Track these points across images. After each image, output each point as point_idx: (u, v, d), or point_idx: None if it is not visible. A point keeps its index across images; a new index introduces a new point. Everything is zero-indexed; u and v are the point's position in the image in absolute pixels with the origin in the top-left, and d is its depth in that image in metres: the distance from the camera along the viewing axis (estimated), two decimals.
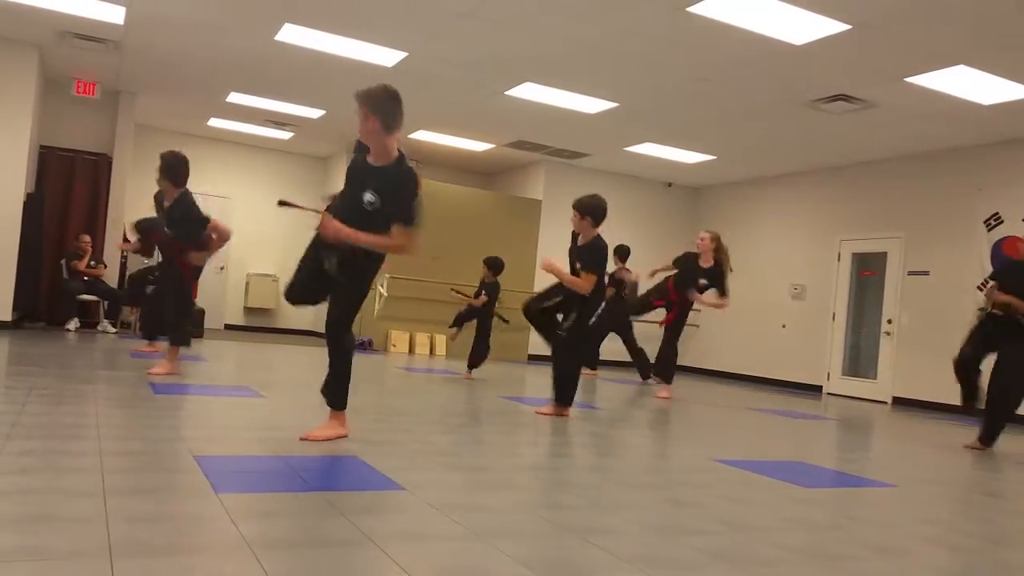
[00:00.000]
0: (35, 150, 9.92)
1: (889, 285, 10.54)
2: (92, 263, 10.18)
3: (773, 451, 4.99)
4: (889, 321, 10.44)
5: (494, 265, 8.24)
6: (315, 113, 10.99)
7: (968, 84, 7.43)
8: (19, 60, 8.96)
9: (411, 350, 11.83)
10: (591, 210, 5.55)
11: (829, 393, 11.06)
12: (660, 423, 6.05)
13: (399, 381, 7.36)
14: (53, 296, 10.21)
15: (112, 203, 10.70)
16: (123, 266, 10.90)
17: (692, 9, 6.34)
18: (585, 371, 10.50)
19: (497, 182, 14.41)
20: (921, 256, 10.16)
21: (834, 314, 11.24)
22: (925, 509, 3.52)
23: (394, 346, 11.70)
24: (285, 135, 12.62)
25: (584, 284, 5.44)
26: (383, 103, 3.65)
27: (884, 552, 2.69)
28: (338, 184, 11.80)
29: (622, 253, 10.06)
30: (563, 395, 5.51)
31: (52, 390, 4.65)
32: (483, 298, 8.20)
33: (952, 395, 8.26)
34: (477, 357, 8.19)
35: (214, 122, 12.14)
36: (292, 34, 7.80)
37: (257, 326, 13.79)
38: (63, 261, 10.15)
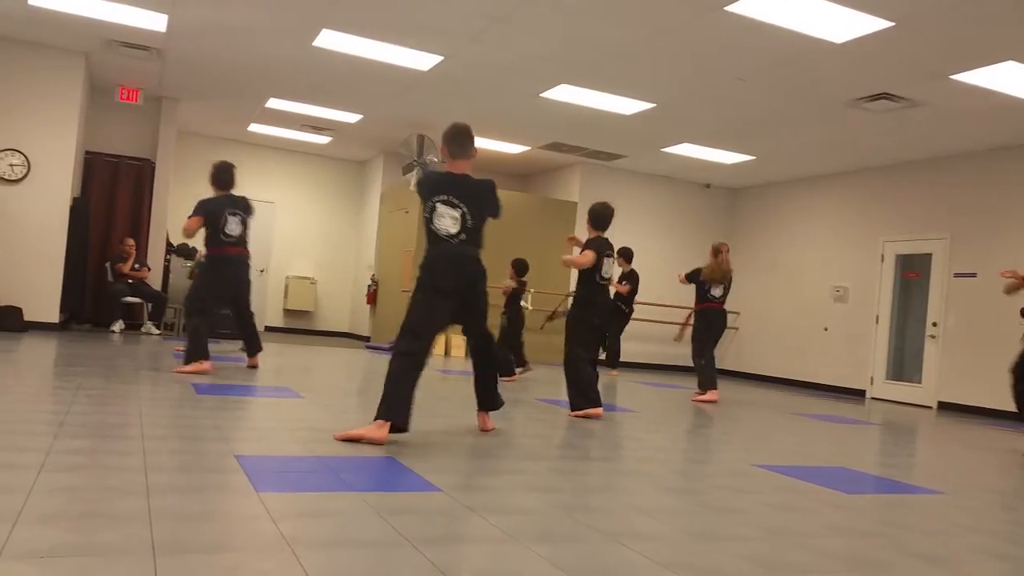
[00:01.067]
0: (81, 155, 10.14)
1: (934, 287, 10.35)
2: (136, 266, 10.37)
3: (815, 456, 4.91)
4: (934, 324, 10.24)
5: (518, 267, 8.70)
6: (352, 117, 11.08)
7: (1017, 80, 7.27)
8: (66, 68, 9.17)
9: (447, 352, 11.86)
10: (590, 214, 5.97)
11: (872, 398, 10.89)
12: (698, 426, 5.99)
13: (435, 383, 7.38)
14: (98, 298, 10.42)
15: (155, 207, 10.90)
16: (166, 269, 11.09)
17: (729, 8, 6.29)
18: (609, 372, 10.49)
19: (532, 184, 14.41)
20: (968, 257, 9.96)
21: (877, 317, 11.06)
22: (973, 517, 3.44)
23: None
24: (323, 140, 12.75)
25: (581, 259, 5.80)
26: (444, 137, 4.44)
27: (929, 561, 2.64)
28: (375, 187, 11.87)
29: (626, 255, 10.31)
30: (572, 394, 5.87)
31: (98, 390, 4.74)
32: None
33: (1001, 400, 8.08)
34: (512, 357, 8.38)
35: (254, 127, 12.31)
36: (330, 39, 7.88)
37: (296, 328, 13.94)
38: (108, 264, 10.36)
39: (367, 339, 13.06)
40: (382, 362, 8.88)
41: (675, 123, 9.99)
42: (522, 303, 8.82)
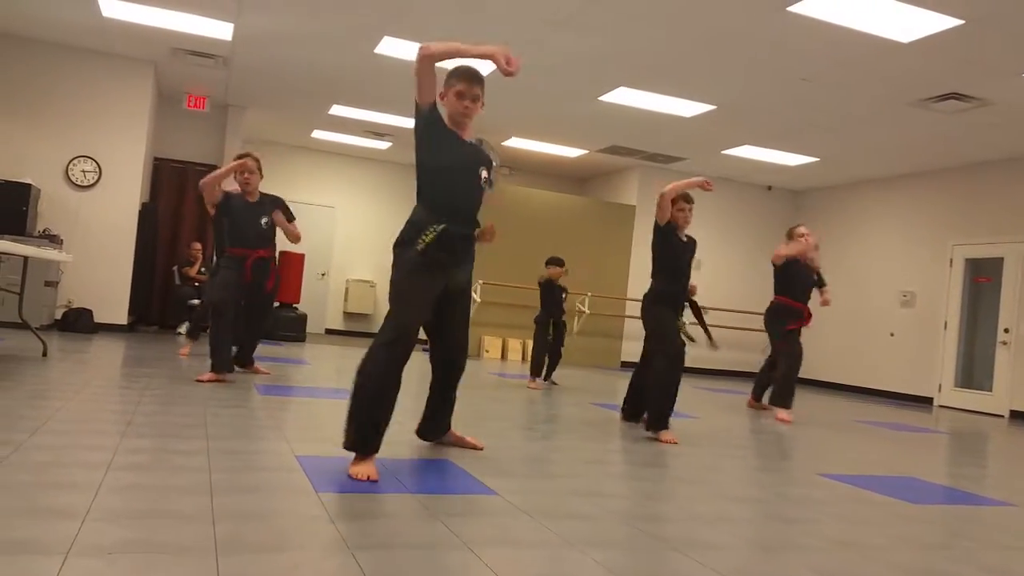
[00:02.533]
0: (149, 162, 10.42)
1: (1006, 292, 10.00)
2: (202, 270, 10.61)
3: (881, 466, 4.79)
4: (1006, 330, 9.90)
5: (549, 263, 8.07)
6: (411, 123, 11.16)
7: None
8: (136, 77, 9.44)
9: (503, 356, 11.89)
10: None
11: (940, 405, 10.56)
12: (761, 434, 5.89)
13: (492, 387, 7.40)
14: (165, 301, 10.70)
15: None
16: None
17: (792, 9, 6.18)
18: None
19: (590, 187, 14.36)
20: None
21: (946, 322, 10.74)
22: None
23: (487, 352, 11.78)
24: (383, 145, 12.89)
25: None
26: None
27: (1000, 574, 2.54)
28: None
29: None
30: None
31: (163, 391, 4.86)
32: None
33: None
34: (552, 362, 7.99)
35: (317, 134, 12.51)
36: (391, 47, 7.97)
37: (356, 331, 14.11)
38: (175, 268, 10.63)
39: (425, 342, 13.16)
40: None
41: (736, 125, 9.85)
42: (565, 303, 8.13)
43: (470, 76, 3.50)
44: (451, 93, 3.46)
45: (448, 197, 3.38)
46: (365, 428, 3.10)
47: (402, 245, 3.34)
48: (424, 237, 3.24)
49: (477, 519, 2.60)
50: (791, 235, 7.22)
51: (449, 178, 3.40)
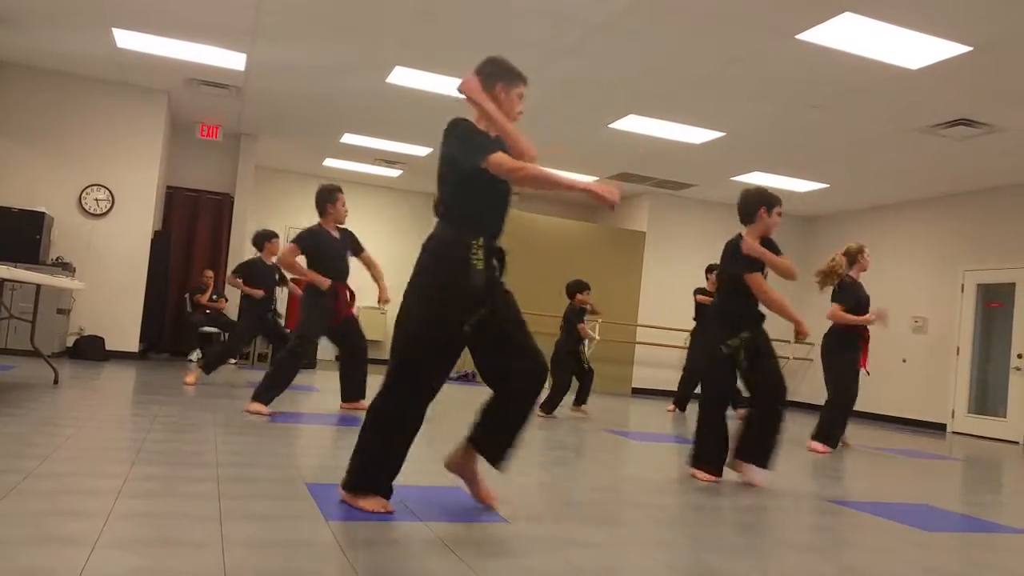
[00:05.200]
0: (163, 190, 10.51)
1: (1019, 317, 9.94)
2: (214, 297, 10.66)
3: (895, 492, 4.74)
4: (1020, 356, 9.82)
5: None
6: (422, 151, 11.25)
7: None
8: (151, 106, 9.55)
9: None
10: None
11: (954, 432, 10.47)
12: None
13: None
14: (177, 328, 10.74)
15: (234, 240, 11.21)
16: (243, 300, 11.36)
17: (801, 36, 6.22)
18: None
19: (600, 214, 14.39)
20: None
21: (958, 348, 10.66)
22: None
23: None
24: (394, 173, 12.97)
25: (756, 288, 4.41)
26: None
27: None
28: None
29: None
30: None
31: (174, 418, 4.87)
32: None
33: None
34: (555, 395, 7.33)
35: (329, 162, 12.60)
36: (403, 76, 8.04)
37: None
38: (187, 295, 10.68)
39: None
40: (451, 390, 8.90)
41: (746, 152, 9.87)
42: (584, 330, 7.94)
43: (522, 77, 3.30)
44: (514, 94, 3.28)
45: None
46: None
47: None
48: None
49: (489, 548, 2.58)
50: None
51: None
